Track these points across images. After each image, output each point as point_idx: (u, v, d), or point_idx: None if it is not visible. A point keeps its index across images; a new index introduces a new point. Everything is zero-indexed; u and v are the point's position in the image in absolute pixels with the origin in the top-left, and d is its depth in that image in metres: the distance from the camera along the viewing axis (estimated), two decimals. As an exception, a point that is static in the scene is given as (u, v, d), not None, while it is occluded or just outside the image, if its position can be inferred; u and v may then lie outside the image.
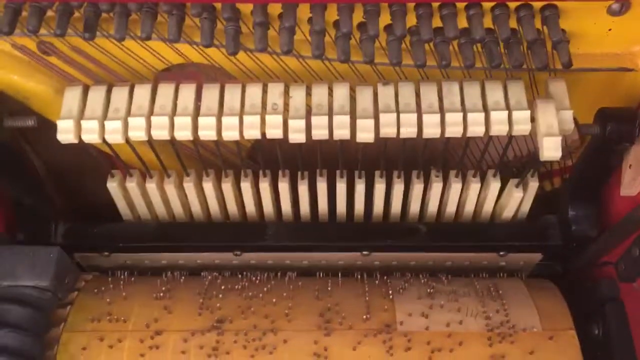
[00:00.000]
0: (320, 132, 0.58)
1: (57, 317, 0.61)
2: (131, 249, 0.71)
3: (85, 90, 0.60)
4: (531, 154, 0.71)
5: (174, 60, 0.61)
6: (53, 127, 0.61)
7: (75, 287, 0.64)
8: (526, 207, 0.70)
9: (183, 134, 0.59)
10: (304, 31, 0.57)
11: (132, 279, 0.67)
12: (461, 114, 0.58)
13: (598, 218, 0.68)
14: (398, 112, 0.58)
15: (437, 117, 0.58)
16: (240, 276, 0.67)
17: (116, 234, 0.72)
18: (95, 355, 0.60)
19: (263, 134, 0.59)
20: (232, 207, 0.71)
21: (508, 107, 0.58)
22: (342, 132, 0.58)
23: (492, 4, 0.54)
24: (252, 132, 0.59)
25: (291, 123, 0.58)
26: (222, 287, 0.64)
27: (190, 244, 0.71)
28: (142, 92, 0.60)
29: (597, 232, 0.68)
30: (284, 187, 0.68)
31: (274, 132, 0.58)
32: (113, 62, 0.61)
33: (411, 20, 0.55)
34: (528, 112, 0.58)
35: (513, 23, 0.56)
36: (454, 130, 0.58)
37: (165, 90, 0.60)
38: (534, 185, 0.68)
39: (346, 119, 0.58)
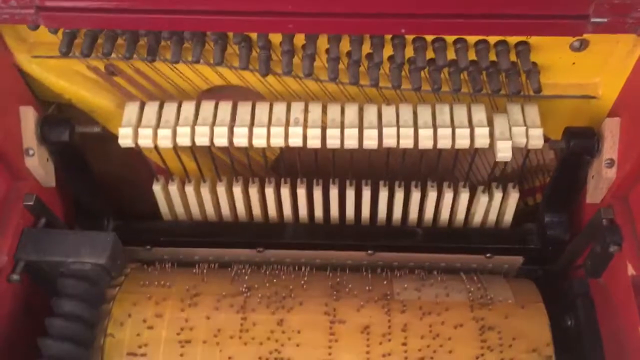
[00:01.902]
0: (333, 142, 0.71)
1: (113, 284, 0.74)
2: (169, 244, 0.83)
3: (142, 105, 0.73)
4: (514, 170, 0.83)
5: (215, 81, 0.74)
6: (110, 140, 0.74)
7: (125, 268, 0.76)
8: (509, 216, 0.82)
9: (220, 140, 0.71)
10: (322, 59, 0.70)
11: (175, 264, 0.79)
12: (450, 129, 0.70)
13: (570, 224, 0.79)
14: (398, 127, 0.70)
15: (431, 131, 0.70)
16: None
17: (157, 230, 0.84)
18: (143, 309, 0.72)
19: (286, 143, 0.71)
20: (256, 209, 0.83)
21: (491, 124, 0.70)
22: (351, 142, 0.71)
23: (476, 39, 0.67)
24: (277, 141, 0.71)
25: (309, 132, 0.70)
26: (250, 269, 0.76)
27: (220, 240, 0.83)
28: (188, 107, 0.73)
29: (570, 236, 0.79)
30: (301, 193, 0.80)
31: (295, 140, 0.71)
32: (166, 82, 0.75)
33: (409, 52, 0.68)
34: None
35: (493, 56, 0.69)
36: (444, 142, 0.70)
37: (207, 106, 0.73)
38: (515, 195, 0.79)
39: (355, 131, 0.71)
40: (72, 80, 0.74)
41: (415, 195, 0.80)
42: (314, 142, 0.71)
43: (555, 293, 0.79)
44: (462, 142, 0.70)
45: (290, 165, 0.79)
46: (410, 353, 0.69)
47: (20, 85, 0.72)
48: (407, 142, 0.70)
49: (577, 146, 0.70)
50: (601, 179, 0.70)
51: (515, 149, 0.74)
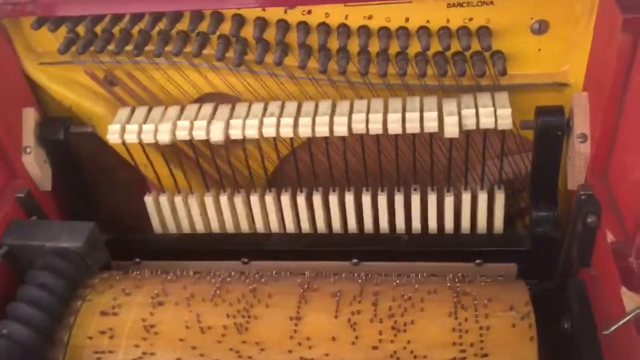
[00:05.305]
0: (305, 130, 0.73)
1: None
2: (159, 256, 0.84)
3: (133, 109, 0.79)
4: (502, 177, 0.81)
5: (205, 89, 0.80)
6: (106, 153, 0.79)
7: (104, 264, 0.78)
8: (500, 221, 0.79)
9: (199, 133, 0.75)
10: (295, 55, 0.75)
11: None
12: (418, 114, 0.72)
13: (559, 218, 0.75)
14: (368, 114, 0.73)
15: (399, 115, 0.72)
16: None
17: (147, 243, 0.86)
18: (125, 281, 0.75)
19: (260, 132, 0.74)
20: (243, 219, 0.84)
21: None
22: (322, 130, 0.73)
23: (438, 26, 0.71)
24: (251, 132, 0.74)
25: (283, 120, 0.74)
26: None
27: (207, 248, 0.83)
28: (174, 110, 0.78)
29: (560, 233, 0.75)
30: (285, 199, 0.81)
31: (269, 130, 0.74)
32: (160, 91, 0.81)
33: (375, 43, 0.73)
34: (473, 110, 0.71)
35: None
36: (411, 126, 0.71)
37: (191, 107, 0.78)
38: (500, 195, 0.77)
39: (326, 119, 0.73)
40: (73, 88, 0.81)
41: (399, 199, 0.79)
42: (286, 131, 0.74)
43: (553, 299, 0.73)
44: (431, 125, 0.71)
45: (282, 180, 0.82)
46: (379, 311, 0.66)
47: (24, 87, 0.79)
48: (375, 128, 0.72)
49: (547, 122, 0.70)
50: (576, 156, 0.68)
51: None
